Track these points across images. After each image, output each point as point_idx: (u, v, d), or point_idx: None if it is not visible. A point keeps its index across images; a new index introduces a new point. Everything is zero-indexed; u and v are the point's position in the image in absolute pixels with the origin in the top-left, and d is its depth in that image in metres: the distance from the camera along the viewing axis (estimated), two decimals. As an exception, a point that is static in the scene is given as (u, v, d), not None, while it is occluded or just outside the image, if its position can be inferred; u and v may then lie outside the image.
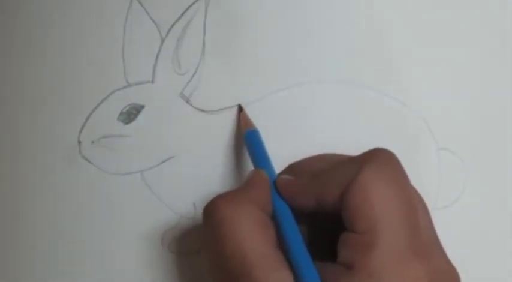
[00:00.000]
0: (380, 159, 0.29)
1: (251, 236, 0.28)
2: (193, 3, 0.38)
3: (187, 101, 0.38)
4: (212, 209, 0.29)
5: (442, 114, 0.38)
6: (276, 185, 0.32)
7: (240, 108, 0.37)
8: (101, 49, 0.38)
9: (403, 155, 0.37)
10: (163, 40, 0.38)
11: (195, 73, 0.38)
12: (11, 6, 0.38)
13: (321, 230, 0.32)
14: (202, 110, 0.38)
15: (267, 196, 0.31)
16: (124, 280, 0.37)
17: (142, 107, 0.37)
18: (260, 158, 0.34)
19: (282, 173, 0.33)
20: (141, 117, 0.37)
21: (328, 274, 0.27)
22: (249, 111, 0.38)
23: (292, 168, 0.33)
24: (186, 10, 0.38)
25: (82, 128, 0.37)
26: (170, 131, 0.38)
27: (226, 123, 0.38)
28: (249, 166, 0.36)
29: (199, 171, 0.37)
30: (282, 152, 0.37)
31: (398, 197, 0.27)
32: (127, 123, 0.37)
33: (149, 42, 0.38)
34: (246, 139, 0.35)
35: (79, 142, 0.37)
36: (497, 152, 0.38)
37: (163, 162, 0.38)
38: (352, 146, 0.37)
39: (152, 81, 0.38)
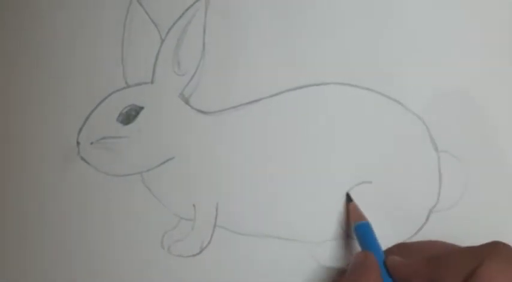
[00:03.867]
0: (502, 254, 0.29)
1: None
2: (193, 4, 0.38)
3: (187, 102, 0.38)
4: None
5: (442, 117, 0.38)
6: (387, 265, 0.32)
7: (349, 198, 0.37)
8: (100, 50, 0.38)
9: (403, 158, 0.37)
10: (162, 41, 0.37)
11: (194, 74, 0.38)
12: (10, 7, 0.38)
13: None
14: (202, 111, 0.38)
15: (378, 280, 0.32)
16: (123, 282, 0.37)
17: (142, 108, 0.37)
18: (371, 247, 0.34)
19: (391, 253, 0.34)
20: (140, 119, 0.37)
21: None
22: (249, 112, 0.37)
23: (400, 250, 0.34)
24: (186, 10, 0.38)
25: (81, 129, 0.37)
26: (169, 132, 0.37)
27: (226, 124, 0.37)
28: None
29: (199, 173, 0.37)
30: (283, 153, 0.37)
31: None
32: (126, 124, 0.37)
33: (149, 42, 0.37)
34: (357, 230, 0.35)
35: (78, 143, 0.37)
36: (497, 154, 0.38)
37: (162, 163, 0.37)
38: (354, 148, 0.38)
39: (151, 82, 0.38)
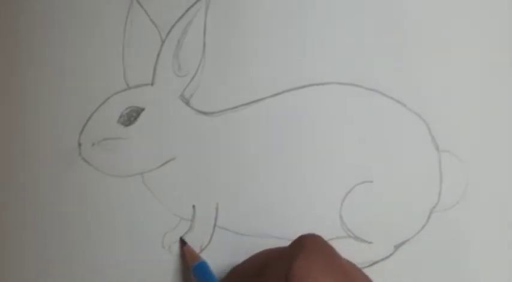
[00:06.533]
0: (307, 248, 0.29)
1: None
2: (193, 4, 0.38)
3: (188, 103, 0.38)
4: None
5: (443, 116, 0.38)
6: None
7: (183, 242, 0.37)
8: (100, 51, 0.38)
9: (404, 157, 0.37)
10: (163, 41, 0.38)
11: (195, 75, 0.38)
12: (12, 8, 0.38)
13: None
14: (203, 112, 0.38)
15: None
16: (124, 282, 0.38)
17: (142, 109, 0.37)
18: None
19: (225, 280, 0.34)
20: (141, 120, 0.37)
21: None
22: (250, 113, 0.37)
23: (235, 273, 0.35)
24: (186, 11, 0.38)
25: (82, 130, 0.37)
26: (170, 133, 0.38)
27: (227, 125, 0.38)
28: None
29: (200, 174, 0.37)
30: (284, 153, 0.37)
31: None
32: (127, 125, 0.37)
33: (149, 43, 0.38)
34: (195, 272, 0.35)
35: (79, 144, 0.37)
36: (498, 153, 0.38)
37: (163, 164, 0.37)
38: (354, 148, 0.37)
39: (152, 83, 0.38)
